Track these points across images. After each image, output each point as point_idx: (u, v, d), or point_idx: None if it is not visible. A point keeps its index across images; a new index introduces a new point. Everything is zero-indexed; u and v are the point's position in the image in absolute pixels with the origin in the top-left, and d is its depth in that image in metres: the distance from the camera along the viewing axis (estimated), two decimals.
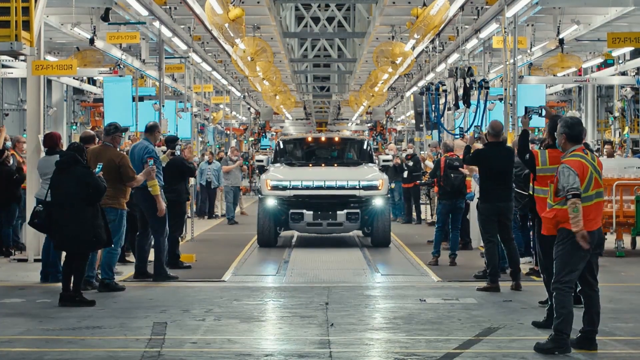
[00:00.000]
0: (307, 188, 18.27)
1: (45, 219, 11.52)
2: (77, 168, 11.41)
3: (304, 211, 18.11)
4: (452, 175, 15.76)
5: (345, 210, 18.06)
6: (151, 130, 14.01)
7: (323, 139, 22.07)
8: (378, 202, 18.20)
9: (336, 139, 22.04)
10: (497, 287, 12.53)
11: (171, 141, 15.69)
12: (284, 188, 18.30)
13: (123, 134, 14.77)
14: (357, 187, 18.25)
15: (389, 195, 18.98)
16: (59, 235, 11.50)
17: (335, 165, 19.87)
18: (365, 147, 20.95)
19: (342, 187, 18.26)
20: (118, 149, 12.96)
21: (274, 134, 50.20)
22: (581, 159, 8.70)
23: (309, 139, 21.92)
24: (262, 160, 20.24)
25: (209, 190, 26.75)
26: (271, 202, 18.21)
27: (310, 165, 19.96)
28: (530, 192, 10.22)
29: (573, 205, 8.51)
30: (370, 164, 19.74)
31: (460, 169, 15.22)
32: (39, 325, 10.13)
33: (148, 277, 13.62)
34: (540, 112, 10.41)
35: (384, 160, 19.89)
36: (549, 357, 8.50)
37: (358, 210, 18.10)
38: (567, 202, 8.57)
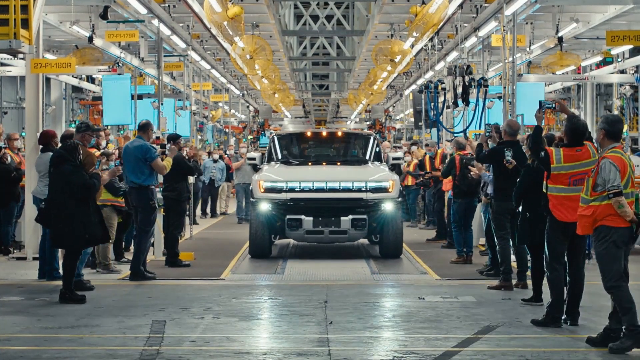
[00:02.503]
0: (306, 190, 16.08)
1: (46, 216, 11.64)
2: (64, 167, 11.49)
3: (303, 217, 15.87)
4: (469, 174, 15.40)
5: (351, 216, 15.87)
6: (144, 128, 13.99)
7: (324, 134, 19.96)
8: (388, 207, 16.01)
9: (339, 133, 20.04)
10: (511, 285, 12.50)
11: (172, 139, 15.74)
12: (280, 190, 16.07)
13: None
14: (364, 189, 16.06)
15: (400, 199, 16.67)
16: (53, 233, 11.62)
17: (338, 163, 17.72)
18: (372, 143, 18.38)
19: (346, 189, 16.09)
20: (88, 148, 12.94)
21: (273, 132, 50.16)
22: (622, 156, 8.77)
23: (308, 133, 19.81)
24: (254, 159, 17.90)
25: (212, 189, 26.54)
26: (265, 207, 16.01)
27: (310, 163, 17.59)
28: (544, 190, 10.11)
29: (617, 204, 8.59)
30: (378, 163, 17.63)
31: (470, 167, 14.99)
32: (37, 323, 10.12)
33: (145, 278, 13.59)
34: (554, 106, 10.30)
35: (393, 159, 17.74)
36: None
37: (365, 216, 15.91)
38: (609, 200, 8.61)
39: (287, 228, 16.01)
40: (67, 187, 11.42)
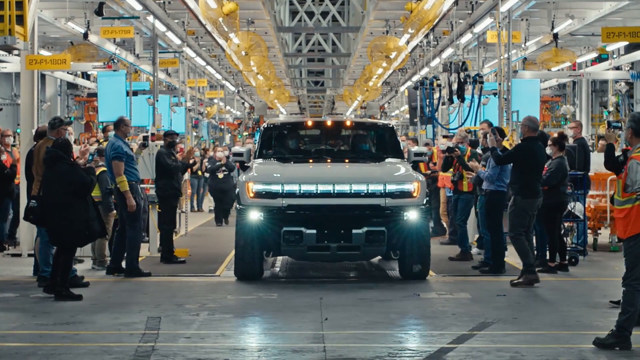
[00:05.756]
0: (308, 195, 12.71)
1: (39, 215, 11.61)
2: (60, 165, 11.44)
3: (304, 229, 12.53)
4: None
5: (365, 228, 12.52)
6: (117, 125, 13.85)
7: (329, 123, 15.93)
8: (412, 216, 12.74)
9: (347, 123, 16.10)
10: (537, 277, 12.43)
11: (169, 135, 15.77)
12: (275, 195, 12.72)
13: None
14: (382, 193, 12.70)
15: (427, 205, 13.52)
16: (53, 231, 11.55)
17: (347, 161, 14.25)
18: (389, 135, 14.91)
19: (359, 194, 12.73)
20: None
21: None
22: None
23: (309, 123, 15.83)
24: (241, 154, 14.35)
25: None
26: (255, 216, 12.71)
27: (311, 160, 14.20)
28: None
29: None
30: (397, 160, 14.20)
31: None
32: (32, 320, 10.12)
33: (121, 272, 13.53)
34: (620, 125, 10.67)
35: (415, 154, 14.44)
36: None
37: (383, 228, 12.58)
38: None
39: (283, 243, 12.69)
40: (67, 186, 11.35)
